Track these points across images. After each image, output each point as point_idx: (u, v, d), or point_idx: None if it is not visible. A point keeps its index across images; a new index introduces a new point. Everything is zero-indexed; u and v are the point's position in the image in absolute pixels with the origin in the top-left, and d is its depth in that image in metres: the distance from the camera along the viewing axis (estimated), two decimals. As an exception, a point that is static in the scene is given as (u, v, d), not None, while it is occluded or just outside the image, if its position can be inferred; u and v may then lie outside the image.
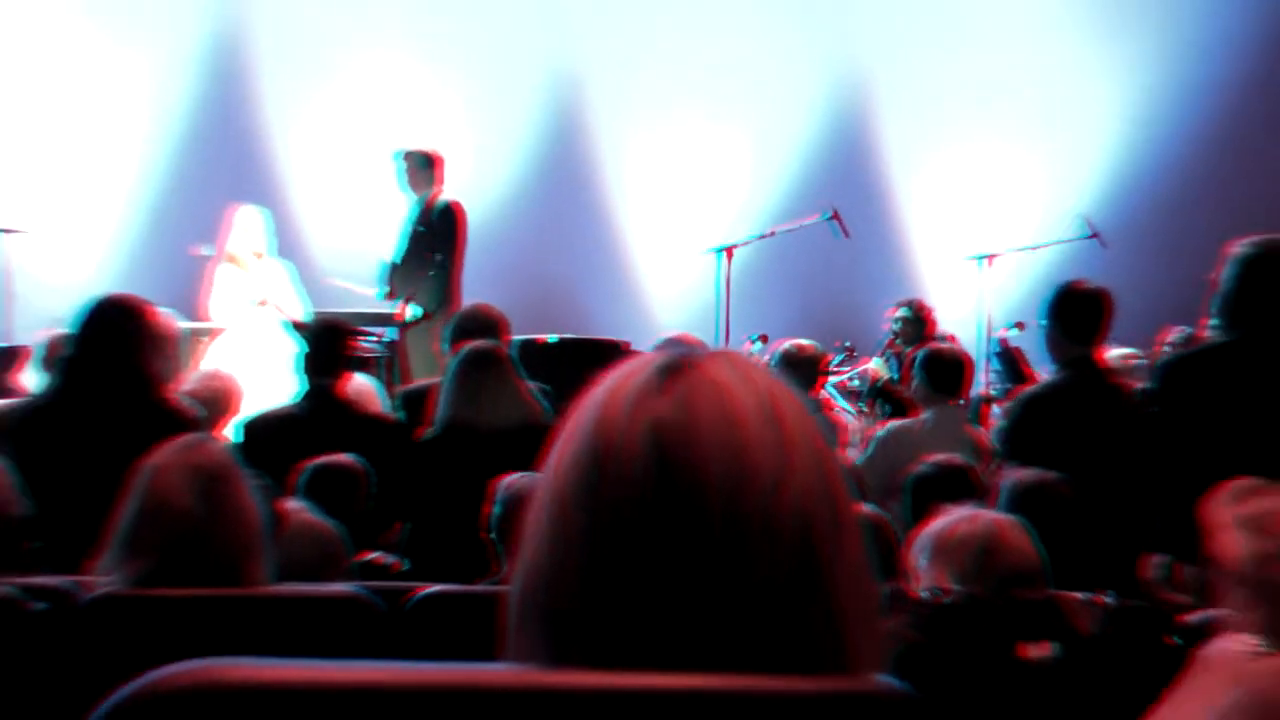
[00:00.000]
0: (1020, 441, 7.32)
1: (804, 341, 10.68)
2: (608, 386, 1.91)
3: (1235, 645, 2.50)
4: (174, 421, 6.49)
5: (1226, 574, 2.71)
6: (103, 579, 4.30)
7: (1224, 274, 6.24)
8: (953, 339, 12.08)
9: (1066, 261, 13.68)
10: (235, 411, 8.74)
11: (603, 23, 14.96)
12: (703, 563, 1.83)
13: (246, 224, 12.18)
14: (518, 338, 10.03)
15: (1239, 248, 6.26)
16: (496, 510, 5.57)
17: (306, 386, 7.96)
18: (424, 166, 12.11)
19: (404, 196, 12.13)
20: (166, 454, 4.37)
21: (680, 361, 1.90)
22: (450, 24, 14.65)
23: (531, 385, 7.76)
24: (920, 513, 5.42)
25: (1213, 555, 2.74)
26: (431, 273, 11.82)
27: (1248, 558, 2.68)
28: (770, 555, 1.83)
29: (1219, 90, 15.64)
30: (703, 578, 1.83)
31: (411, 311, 11.72)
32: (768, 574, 1.83)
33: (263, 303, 11.77)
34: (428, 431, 7.59)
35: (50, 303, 12.90)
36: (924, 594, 4.69)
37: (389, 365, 11.57)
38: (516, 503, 5.38)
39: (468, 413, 7.29)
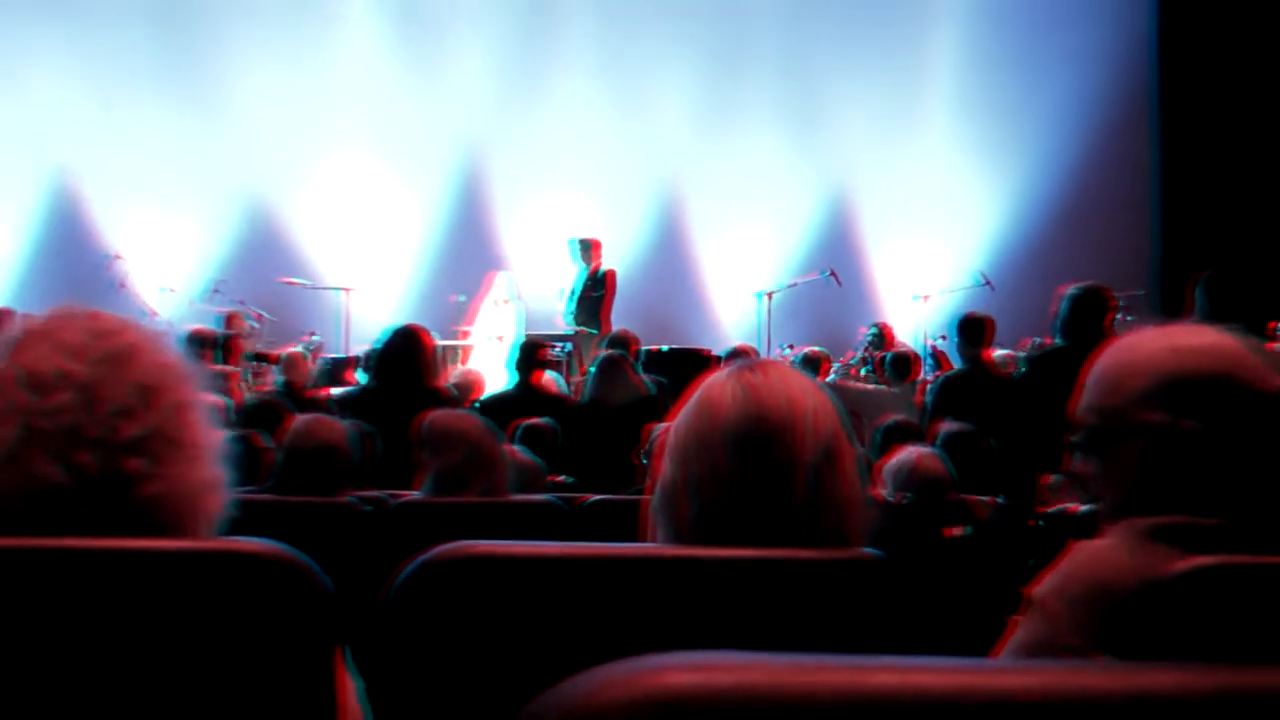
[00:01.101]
0: (942, 406, 7.41)
1: (816, 348, 10.86)
2: (710, 378, 2.03)
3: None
4: (440, 400, 6.63)
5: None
6: (415, 493, 4.38)
7: (1060, 306, 6.39)
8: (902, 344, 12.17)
9: (969, 299, 13.57)
10: (479, 394, 8.84)
11: (686, 157, 14.90)
12: (770, 465, 1.92)
13: (499, 282, 12.27)
14: (644, 348, 10.06)
15: (1068, 290, 6.48)
16: (650, 444, 5.58)
17: (517, 379, 8.09)
18: (587, 248, 12.18)
19: (574, 266, 12.19)
20: (456, 421, 4.45)
21: (753, 362, 2.05)
22: (601, 165, 14.60)
23: (646, 377, 7.84)
24: (885, 450, 5.46)
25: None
26: (595, 311, 11.95)
27: None
28: (813, 457, 1.93)
29: (1061, 187, 15.43)
30: (771, 474, 1.93)
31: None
32: (810, 469, 1.93)
33: (499, 338, 11.82)
34: (577, 402, 7.80)
35: (369, 331, 12.98)
36: (887, 498, 4.72)
37: (568, 365, 11.55)
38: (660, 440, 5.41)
39: (602, 393, 7.43)
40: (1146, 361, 1.95)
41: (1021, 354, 10.65)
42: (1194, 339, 1.95)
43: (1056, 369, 6.43)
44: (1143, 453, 1.94)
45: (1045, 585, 1.92)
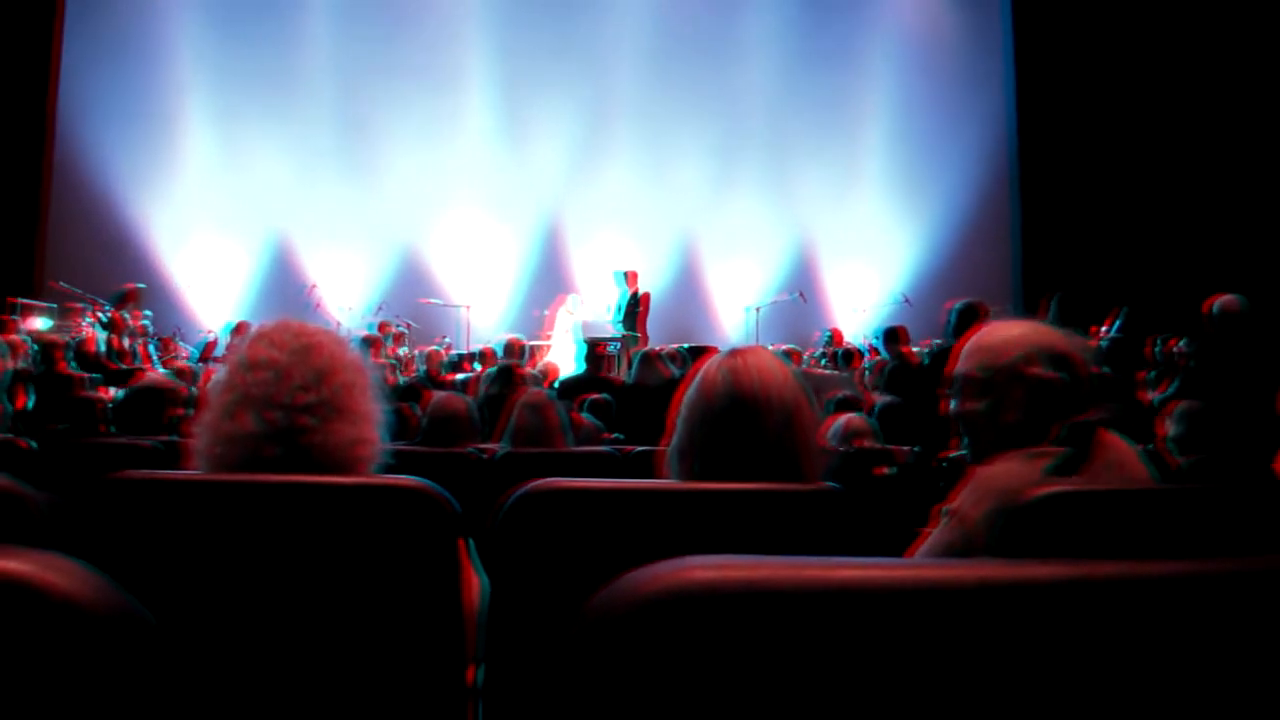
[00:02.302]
0: (883, 386, 7.36)
1: (790, 346, 10.86)
2: (707, 362, 2.02)
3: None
4: (523, 382, 6.62)
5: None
6: (500, 447, 4.35)
7: (948, 316, 6.36)
8: (844, 341, 12.14)
9: (893, 311, 13.50)
10: (555, 377, 8.79)
11: (698, 212, 14.89)
12: (746, 424, 1.91)
13: (567, 302, 12.21)
14: (671, 345, 10.03)
15: (955, 304, 6.42)
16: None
17: (584, 367, 8.08)
18: (626, 278, 12.09)
19: (618, 289, 12.12)
20: (536, 397, 4.42)
21: (738, 348, 2.03)
22: (639, 217, 14.61)
23: (674, 367, 7.77)
24: (833, 414, 5.39)
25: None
26: (635, 321, 11.88)
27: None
28: (777, 418, 1.92)
29: (952, 233, 15.42)
30: (746, 431, 1.92)
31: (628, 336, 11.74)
32: (775, 426, 1.92)
33: (566, 330, 11.81)
34: (624, 384, 7.74)
35: (483, 335, 13.01)
36: (836, 447, 4.67)
37: (617, 359, 11.51)
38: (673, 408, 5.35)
39: (641, 377, 7.39)
40: (1020, 337, 2.07)
41: (926, 350, 10.70)
42: (1041, 328, 2.09)
43: (946, 360, 6.43)
44: (1026, 394, 2.02)
45: (959, 500, 1.93)
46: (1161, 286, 11.76)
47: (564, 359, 11.11)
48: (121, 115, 13.67)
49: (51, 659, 0.67)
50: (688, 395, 2.02)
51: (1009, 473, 1.91)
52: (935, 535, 1.93)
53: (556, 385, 8.01)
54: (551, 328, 12.15)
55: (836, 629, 0.66)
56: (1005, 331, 2.09)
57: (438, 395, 4.66)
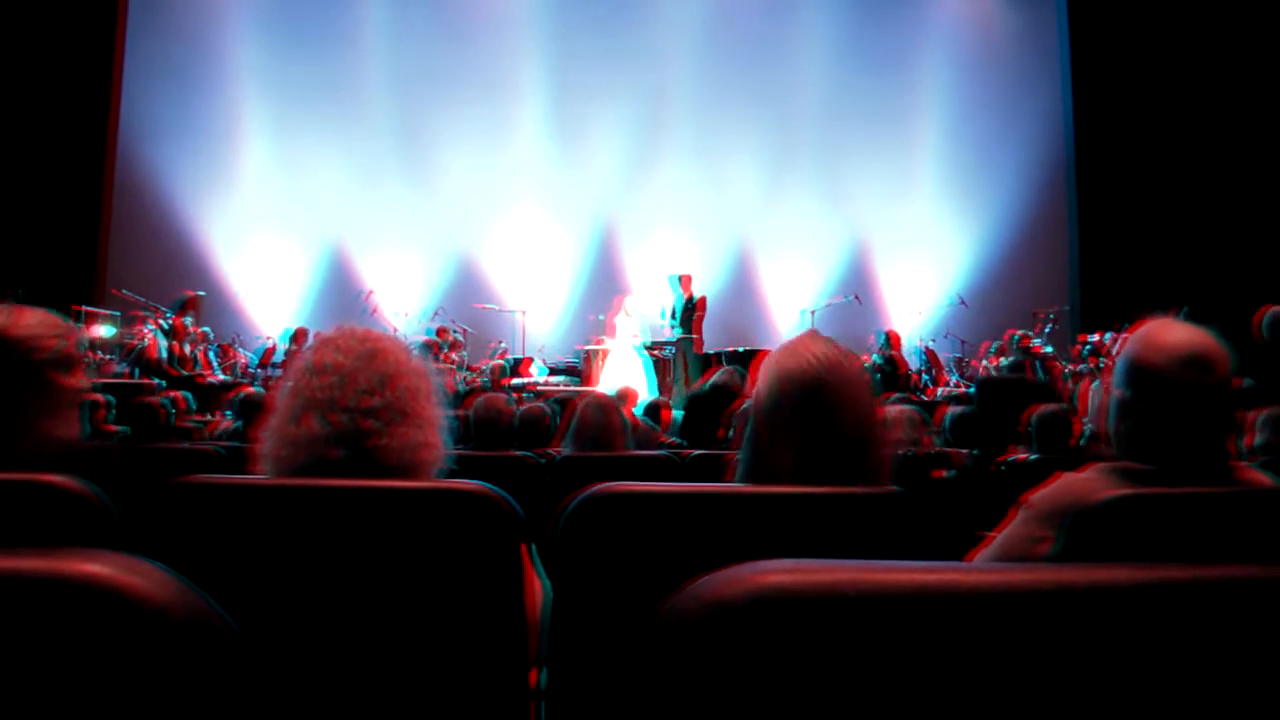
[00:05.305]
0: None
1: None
2: (773, 357, 2.01)
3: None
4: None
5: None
6: (562, 450, 4.33)
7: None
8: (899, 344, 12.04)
9: (949, 315, 13.44)
10: (634, 402, 8.59)
11: (753, 215, 14.84)
12: (821, 414, 1.89)
13: (626, 304, 12.13)
14: (727, 349, 10.00)
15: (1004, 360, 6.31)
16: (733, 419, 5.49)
17: (653, 377, 8.05)
18: (681, 281, 12.03)
19: (673, 293, 12.06)
20: (600, 398, 4.40)
21: (802, 339, 2.06)
22: (694, 220, 14.60)
23: (732, 368, 7.69)
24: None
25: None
26: (691, 324, 11.82)
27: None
28: (852, 412, 1.90)
29: (1010, 234, 15.24)
30: (821, 421, 1.89)
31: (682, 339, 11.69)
32: (853, 421, 1.89)
33: (635, 337, 11.71)
34: (700, 389, 7.66)
35: (538, 339, 13.07)
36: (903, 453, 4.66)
37: (673, 361, 11.49)
38: (744, 413, 5.30)
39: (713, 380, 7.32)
40: (1126, 347, 1.92)
41: (987, 352, 10.59)
42: (1152, 334, 1.90)
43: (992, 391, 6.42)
44: (1109, 412, 1.94)
45: (1035, 495, 1.94)
46: (1222, 288, 11.57)
47: (625, 366, 11.06)
48: (180, 125, 13.91)
49: (134, 664, 0.66)
50: (761, 394, 1.99)
51: (1078, 481, 1.90)
52: (1011, 524, 1.95)
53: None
54: (612, 333, 12.08)
55: (915, 632, 0.65)
56: (1140, 335, 1.92)
57: (480, 398, 4.66)
